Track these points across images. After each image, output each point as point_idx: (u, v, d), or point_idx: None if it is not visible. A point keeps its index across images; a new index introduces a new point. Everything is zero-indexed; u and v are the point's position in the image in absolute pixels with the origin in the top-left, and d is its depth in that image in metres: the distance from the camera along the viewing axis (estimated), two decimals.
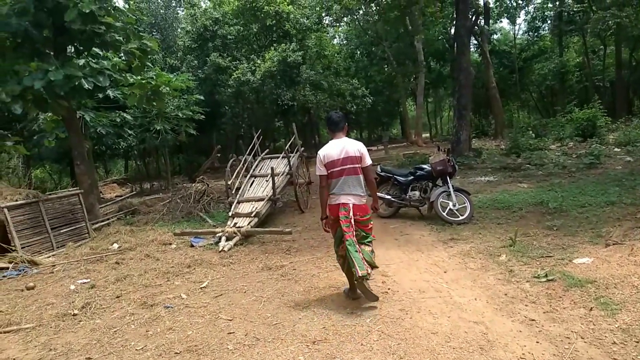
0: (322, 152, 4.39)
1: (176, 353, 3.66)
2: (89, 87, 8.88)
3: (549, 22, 31.31)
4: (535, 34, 33.14)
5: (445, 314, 3.95)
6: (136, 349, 3.81)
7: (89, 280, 6.04)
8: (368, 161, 4.38)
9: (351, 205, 4.24)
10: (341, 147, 4.32)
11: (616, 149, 13.57)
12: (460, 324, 3.71)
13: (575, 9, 25.75)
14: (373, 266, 4.33)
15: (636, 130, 15.15)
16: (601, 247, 5.20)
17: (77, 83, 8.73)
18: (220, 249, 6.90)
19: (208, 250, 7.09)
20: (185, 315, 4.47)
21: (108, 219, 10.53)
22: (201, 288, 5.29)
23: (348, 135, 4.58)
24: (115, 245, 7.98)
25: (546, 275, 4.52)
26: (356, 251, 4.13)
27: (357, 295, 4.40)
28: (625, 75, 27.70)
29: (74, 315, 4.74)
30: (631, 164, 10.90)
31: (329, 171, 4.32)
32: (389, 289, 4.67)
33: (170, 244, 7.73)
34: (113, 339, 4.08)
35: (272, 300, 4.67)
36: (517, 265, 5.00)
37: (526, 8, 32.02)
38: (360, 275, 4.04)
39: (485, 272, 4.92)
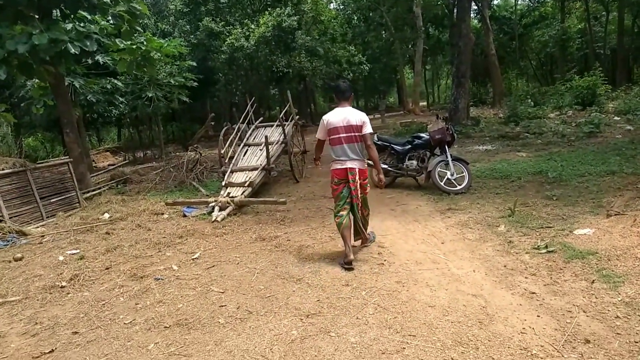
0: (326, 118, 4.69)
1: (166, 327, 3.54)
2: (76, 52, 8.54)
3: None
4: None
5: (442, 286, 3.84)
6: (124, 323, 3.69)
7: (78, 251, 5.90)
8: (367, 129, 4.59)
9: (357, 170, 4.58)
10: (344, 115, 4.59)
11: (616, 118, 13.37)
12: (459, 297, 3.61)
13: None
14: (366, 229, 4.93)
15: (636, 99, 14.92)
16: (602, 218, 5.07)
17: (63, 47, 8.40)
18: (213, 219, 6.75)
19: (201, 221, 6.95)
20: (175, 288, 4.35)
21: (99, 188, 10.35)
22: (193, 259, 5.16)
23: None
24: (106, 215, 7.82)
25: (546, 247, 4.41)
26: (358, 210, 4.64)
27: (349, 260, 4.44)
28: (626, 42, 27.22)
29: (62, 287, 4.62)
30: (631, 133, 10.73)
31: (329, 137, 4.66)
32: (385, 260, 4.55)
33: (162, 213, 7.59)
34: (101, 312, 3.96)
35: (266, 272, 4.55)
36: (516, 236, 4.88)
37: None
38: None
39: (483, 243, 4.81)
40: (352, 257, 4.47)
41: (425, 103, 37.22)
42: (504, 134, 12.66)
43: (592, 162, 8.03)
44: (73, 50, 8.42)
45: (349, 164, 4.55)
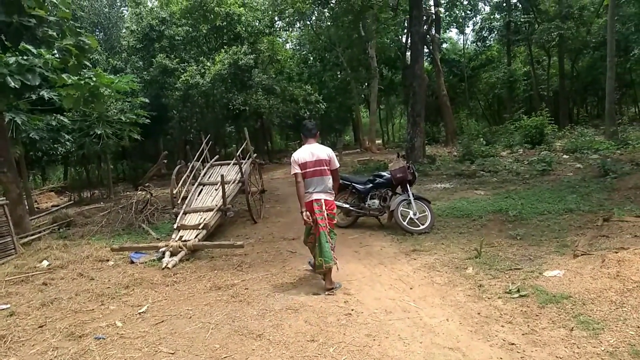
0: (295, 155, 5.03)
1: None
2: (16, 86, 7.98)
3: (495, 32, 32.27)
4: (483, 44, 34.10)
5: (416, 339, 3.55)
6: None
7: (8, 305, 5.22)
8: (336, 164, 5.08)
9: (323, 201, 4.88)
10: (312, 151, 4.99)
11: (565, 156, 13.86)
12: (435, 351, 3.32)
13: (522, 20, 26.62)
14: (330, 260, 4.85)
15: (581, 138, 15.59)
16: (569, 258, 4.99)
17: (1, 81, 7.84)
18: (163, 266, 6.22)
19: (150, 267, 6.39)
20: (119, 349, 3.84)
21: (39, 232, 9.53)
22: (139, 313, 4.64)
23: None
24: (45, 263, 7.11)
25: (518, 291, 4.24)
26: (327, 242, 4.80)
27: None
28: (567, 85, 28.89)
29: None
30: (582, 171, 11.07)
31: (302, 171, 4.93)
32: (352, 309, 4.23)
33: (108, 260, 6.97)
34: None
35: (221, 327, 4.11)
36: (485, 279, 4.70)
37: (474, 19, 32.95)
38: (325, 267, 4.76)
39: (453, 288, 4.59)
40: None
41: (380, 141, 37.80)
42: (460, 172, 12.82)
43: (550, 200, 8.12)
44: (13, 84, 7.87)
45: (315, 196, 4.89)
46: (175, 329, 4.16)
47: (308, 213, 4.90)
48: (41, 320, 4.69)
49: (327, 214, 4.88)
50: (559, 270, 4.60)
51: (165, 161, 18.14)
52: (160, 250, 6.75)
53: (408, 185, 7.40)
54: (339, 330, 3.80)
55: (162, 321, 4.38)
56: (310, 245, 5.17)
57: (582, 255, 4.92)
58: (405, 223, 7.06)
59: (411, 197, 7.24)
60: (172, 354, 3.65)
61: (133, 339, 4.01)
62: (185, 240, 6.94)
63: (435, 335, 3.58)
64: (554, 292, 4.10)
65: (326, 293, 4.73)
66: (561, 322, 3.56)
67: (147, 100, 17.04)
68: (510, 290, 4.29)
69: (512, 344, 3.33)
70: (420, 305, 4.23)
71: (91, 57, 20.28)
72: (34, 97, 12.62)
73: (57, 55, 9.54)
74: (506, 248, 5.74)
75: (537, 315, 3.74)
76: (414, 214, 7.14)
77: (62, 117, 14.75)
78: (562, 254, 5.22)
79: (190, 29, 23.25)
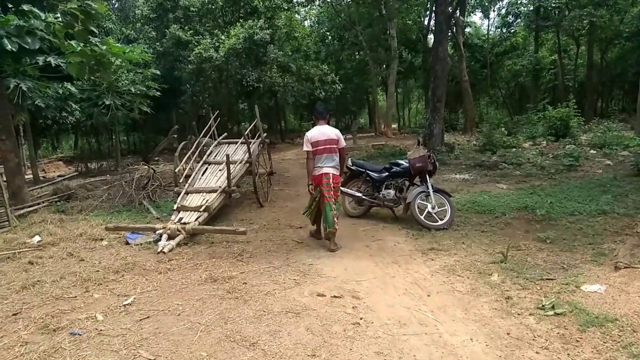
0: (309, 134, 5.85)
1: None
2: (13, 49, 7.48)
3: (521, 18, 30.97)
4: (507, 30, 32.81)
5: None
6: None
7: None
8: (343, 143, 5.91)
9: (331, 175, 5.70)
10: (323, 131, 5.79)
11: (592, 151, 13.08)
12: None
13: (552, 5, 25.39)
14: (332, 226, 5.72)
15: (609, 132, 14.72)
16: (609, 270, 4.41)
17: None
18: (159, 250, 5.76)
19: (145, 250, 5.94)
20: (93, 348, 3.38)
21: (38, 204, 9.14)
22: (124, 305, 4.17)
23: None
24: (36, 239, 6.70)
25: (553, 307, 3.68)
26: (331, 210, 5.64)
27: (321, 237, 6.02)
28: (594, 77, 27.73)
29: None
30: (612, 168, 10.34)
31: (313, 149, 5.72)
32: (361, 318, 3.71)
33: (102, 239, 6.54)
34: None
35: (212, 329, 3.62)
36: (513, 290, 4.14)
37: (500, 3, 31.65)
38: (329, 232, 5.70)
39: (477, 298, 4.04)
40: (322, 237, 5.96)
41: (396, 126, 36.94)
42: (481, 163, 12.14)
43: (579, 199, 7.49)
44: (9, 46, 7.37)
45: (325, 170, 5.69)
46: (160, 327, 3.69)
47: (313, 185, 5.78)
48: (18, 306, 4.28)
49: (333, 187, 5.68)
50: (599, 285, 4.03)
51: (176, 135, 17.70)
52: (157, 232, 6.28)
53: (427, 176, 6.82)
54: (345, 344, 3.30)
55: (147, 317, 3.91)
56: (309, 216, 6.03)
57: (624, 267, 4.34)
58: (422, 217, 6.50)
59: (430, 189, 6.66)
60: None
61: (112, 337, 3.55)
62: (184, 223, 6.46)
63: (458, 359, 3.06)
64: (596, 312, 3.55)
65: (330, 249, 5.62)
66: (608, 353, 3.01)
67: (158, 72, 16.47)
68: (543, 305, 3.73)
69: None
70: (439, 317, 3.69)
71: (104, 25, 19.72)
72: (40, 62, 12.16)
73: (59, 19, 9.01)
74: (535, 252, 5.16)
75: (577, 341, 3.19)
76: (432, 208, 6.57)
77: (69, 86, 14.28)
78: (600, 263, 4.64)
79: (206, 0, 22.50)
